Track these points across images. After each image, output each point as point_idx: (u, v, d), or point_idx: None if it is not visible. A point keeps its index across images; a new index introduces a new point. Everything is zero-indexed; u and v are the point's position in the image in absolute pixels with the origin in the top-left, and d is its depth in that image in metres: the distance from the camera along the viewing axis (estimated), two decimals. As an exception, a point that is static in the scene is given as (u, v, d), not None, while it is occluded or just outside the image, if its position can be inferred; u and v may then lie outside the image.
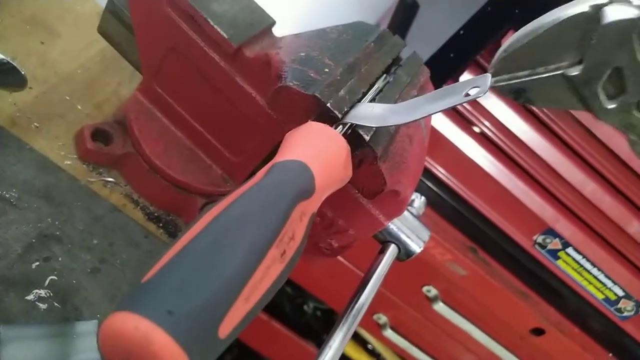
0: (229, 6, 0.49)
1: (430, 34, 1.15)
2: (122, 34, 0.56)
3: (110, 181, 0.55)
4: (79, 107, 0.57)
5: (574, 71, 0.30)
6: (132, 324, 0.22)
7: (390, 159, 0.44)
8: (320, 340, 1.58)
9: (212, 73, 0.50)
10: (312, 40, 0.49)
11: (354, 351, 1.53)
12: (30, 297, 0.45)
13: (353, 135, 0.41)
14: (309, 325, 1.59)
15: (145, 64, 0.54)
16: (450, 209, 1.08)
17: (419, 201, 0.58)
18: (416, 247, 0.54)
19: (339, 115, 0.41)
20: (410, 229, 0.54)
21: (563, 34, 0.29)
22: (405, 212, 0.55)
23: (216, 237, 0.25)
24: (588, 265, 1.11)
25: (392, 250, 0.55)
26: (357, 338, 1.52)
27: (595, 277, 1.12)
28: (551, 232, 1.07)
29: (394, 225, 0.54)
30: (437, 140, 1.01)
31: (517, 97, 0.34)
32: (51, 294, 0.46)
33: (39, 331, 0.43)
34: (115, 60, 0.62)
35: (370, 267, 0.55)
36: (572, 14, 0.29)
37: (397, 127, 0.46)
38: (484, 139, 1.00)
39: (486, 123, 0.99)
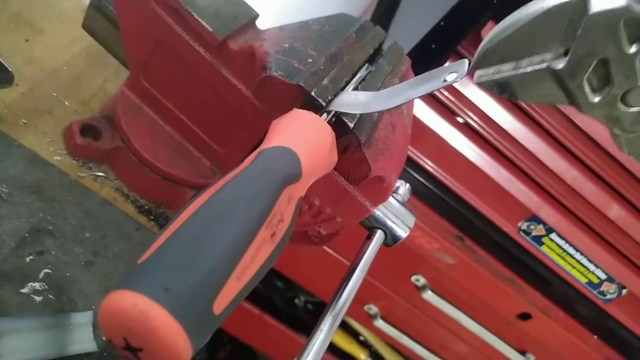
0: (213, 0, 0.50)
1: (412, 25, 1.17)
2: (107, 29, 0.57)
3: (100, 175, 0.56)
4: (66, 103, 0.58)
5: (560, 63, 0.29)
6: (131, 301, 0.23)
7: (374, 145, 0.46)
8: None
9: (198, 66, 0.51)
10: (295, 32, 0.50)
11: (346, 343, 1.55)
12: (25, 290, 0.45)
13: (337, 123, 0.42)
14: (301, 318, 1.61)
15: (131, 58, 0.55)
16: (436, 198, 1.10)
17: (403, 188, 0.60)
18: (402, 232, 0.56)
19: (323, 104, 0.42)
20: (396, 215, 0.56)
21: (548, 25, 0.28)
22: (391, 199, 0.57)
23: (208, 219, 0.26)
24: (571, 250, 1.13)
25: (379, 235, 0.56)
26: (348, 330, 1.53)
27: (579, 262, 1.15)
28: (535, 219, 1.10)
29: (380, 212, 0.55)
30: (422, 132, 1.02)
31: (501, 92, 0.32)
32: (46, 287, 0.47)
33: (35, 323, 0.44)
34: (101, 57, 0.63)
35: (358, 253, 0.57)
36: (557, 3, 0.28)
37: (380, 115, 0.48)
38: (467, 129, 1.02)
39: (469, 113, 1.00)
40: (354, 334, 1.55)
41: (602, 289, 1.18)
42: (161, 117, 0.57)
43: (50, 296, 0.47)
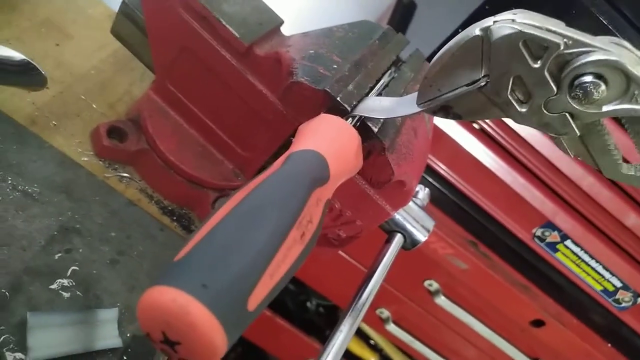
0: (240, 7, 0.52)
1: (428, 32, 1.18)
2: (135, 35, 0.58)
3: (125, 176, 0.57)
4: (94, 106, 0.59)
5: (484, 84, 0.34)
6: (170, 297, 0.24)
7: (397, 150, 0.47)
8: (323, 336, 1.60)
9: (223, 71, 0.52)
10: (320, 38, 0.51)
11: (356, 346, 1.55)
12: (54, 286, 0.47)
13: (362, 127, 0.43)
14: (312, 321, 1.61)
15: (158, 63, 0.56)
16: (451, 203, 1.10)
17: (423, 192, 0.61)
18: (421, 236, 0.56)
19: (349, 108, 0.43)
20: (416, 219, 0.56)
21: (466, 56, 0.34)
22: (411, 203, 0.57)
23: (242, 219, 0.28)
24: (586, 258, 1.13)
25: (398, 239, 0.57)
26: (359, 334, 1.54)
27: (594, 269, 1.15)
28: (550, 225, 1.10)
29: (399, 216, 0.56)
30: (438, 137, 1.03)
31: (446, 115, 0.37)
32: (73, 283, 0.48)
33: (63, 318, 0.45)
34: (127, 61, 0.65)
35: (378, 255, 0.57)
36: (467, 39, 0.33)
37: (403, 120, 0.48)
38: (483, 135, 1.02)
39: (490, 122, 1.01)
40: (364, 338, 1.55)
41: (617, 297, 1.17)
42: (186, 120, 0.58)
43: (78, 293, 0.48)
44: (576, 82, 0.31)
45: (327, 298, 1.53)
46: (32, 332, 0.43)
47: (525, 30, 0.31)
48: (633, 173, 0.37)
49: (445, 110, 0.36)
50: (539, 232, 1.12)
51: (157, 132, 0.56)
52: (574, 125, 0.34)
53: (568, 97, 0.32)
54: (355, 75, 0.47)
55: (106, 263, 0.51)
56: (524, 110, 0.34)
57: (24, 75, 0.49)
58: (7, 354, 0.42)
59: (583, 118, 0.33)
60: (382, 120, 0.44)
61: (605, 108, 0.32)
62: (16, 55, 0.48)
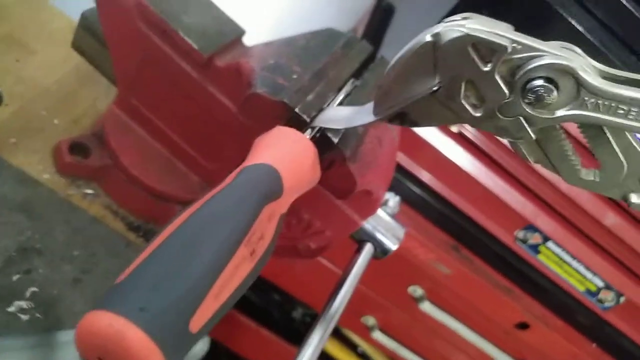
0: (199, 18, 0.51)
1: (407, 37, 1.17)
2: (96, 48, 0.57)
3: (89, 193, 0.56)
4: (56, 121, 0.58)
5: (436, 89, 0.34)
6: (106, 322, 0.23)
7: (360, 159, 0.46)
8: (311, 345, 1.59)
9: (184, 83, 0.51)
10: (281, 48, 0.51)
11: (344, 355, 1.54)
12: (12, 308, 0.46)
13: (322, 138, 0.42)
14: (299, 331, 1.60)
15: (119, 76, 0.55)
16: (431, 208, 1.10)
17: (393, 200, 0.60)
18: (391, 245, 0.56)
19: (307, 119, 0.42)
20: (385, 228, 0.56)
21: (419, 63, 0.33)
22: (380, 211, 0.57)
23: (187, 237, 0.27)
24: (568, 258, 1.13)
25: (368, 248, 0.56)
26: (347, 342, 1.53)
27: (576, 270, 1.15)
28: (531, 228, 1.10)
29: (369, 225, 0.55)
30: (416, 141, 1.03)
31: (402, 122, 0.37)
32: (33, 305, 0.47)
33: (21, 342, 0.44)
34: (91, 75, 0.64)
35: (347, 265, 0.57)
36: (419, 45, 0.33)
37: (366, 129, 0.48)
38: (461, 138, 1.02)
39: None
40: (352, 346, 1.54)
41: (600, 296, 1.17)
42: (149, 134, 0.57)
43: (37, 315, 0.47)
44: (528, 86, 0.31)
45: (312, 307, 1.52)
46: (-12, 357, 0.42)
47: (473, 34, 0.31)
48: (592, 178, 0.37)
49: (401, 118, 0.36)
50: (520, 235, 1.12)
51: (120, 146, 0.55)
52: (529, 130, 0.33)
53: (521, 101, 0.32)
54: (316, 85, 0.46)
55: (69, 283, 0.50)
56: (478, 114, 0.34)
57: (-23, 92, 0.48)
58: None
59: (537, 123, 0.33)
60: (342, 130, 0.43)
61: (558, 113, 0.32)
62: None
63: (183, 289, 0.24)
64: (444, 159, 1.03)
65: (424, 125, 0.36)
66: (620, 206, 1.04)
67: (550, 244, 1.12)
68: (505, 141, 0.96)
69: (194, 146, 0.56)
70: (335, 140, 0.42)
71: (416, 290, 1.24)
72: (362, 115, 0.40)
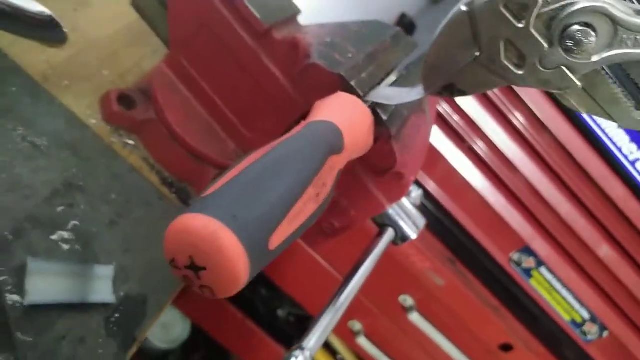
0: (262, -9, 0.53)
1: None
2: (154, 8, 0.60)
3: (129, 144, 0.58)
4: (105, 73, 0.60)
5: (478, 55, 0.36)
6: (202, 223, 0.25)
7: (401, 141, 0.49)
8: (290, 344, 1.60)
9: (239, 51, 0.54)
10: (336, 29, 0.53)
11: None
12: (55, 237, 0.47)
13: (372, 114, 0.45)
14: (281, 329, 1.61)
15: (174, 37, 0.58)
16: (433, 219, 1.12)
17: (416, 192, 0.63)
18: (412, 233, 0.58)
19: (361, 94, 0.45)
20: (408, 215, 0.58)
21: (458, 33, 0.36)
22: (404, 200, 0.59)
23: (268, 166, 0.29)
24: (558, 286, 1.16)
25: (389, 233, 0.58)
26: (328, 348, 1.54)
27: (564, 299, 1.18)
28: (527, 251, 1.13)
29: (393, 210, 0.58)
30: (429, 153, 1.05)
31: (451, 93, 0.39)
32: (73, 237, 0.48)
33: (61, 268, 0.46)
34: (140, 36, 0.66)
35: (367, 248, 0.59)
36: (455, 16, 0.35)
37: (409, 115, 0.51)
38: (471, 153, 1.05)
39: (475, 138, 1.04)
40: (332, 353, 1.55)
41: (584, 328, 1.20)
42: (195, 96, 0.59)
43: (77, 247, 0.48)
44: (565, 34, 0.33)
45: (299, 307, 1.53)
46: (31, 276, 0.44)
47: None
48: None
49: (450, 89, 0.38)
50: (515, 257, 1.15)
51: (166, 103, 0.58)
52: (573, 78, 0.35)
53: (561, 51, 0.33)
54: (368, 66, 0.49)
55: (105, 223, 0.52)
56: (521, 72, 0.35)
57: (45, 30, 0.50)
58: (5, 295, 0.42)
59: (580, 69, 0.34)
60: (391, 109, 0.46)
61: (599, 56, 0.33)
62: (41, 9, 0.49)
63: (267, 207, 0.27)
64: (453, 172, 1.06)
65: (472, 93, 0.38)
66: (616, 239, 1.08)
67: (543, 270, 1.15)
68: (512, 158, 0.99)
69: (236, 113, 0.59)
70: (385, 117, 0.45)
71: (407, 300, 1.26)
72: (412, 93, 0.43)
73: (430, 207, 1.12)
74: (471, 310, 1.20)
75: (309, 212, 0.31)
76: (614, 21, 0.31)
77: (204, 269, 0.25)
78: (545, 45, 0.34)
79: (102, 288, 0.47)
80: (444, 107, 1.03)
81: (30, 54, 0.54)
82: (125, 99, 0.58)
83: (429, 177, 1.09)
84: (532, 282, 1.17)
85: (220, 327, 1.50)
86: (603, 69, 0.35)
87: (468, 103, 1.03)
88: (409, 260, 1.14)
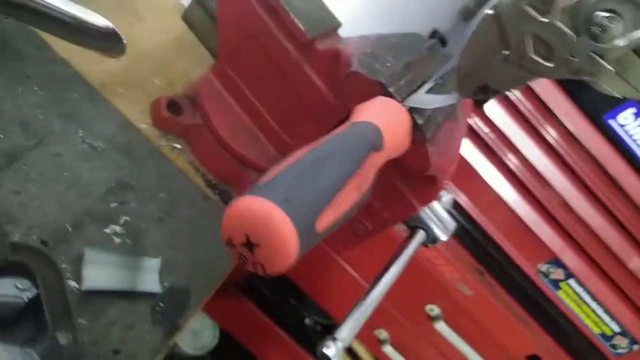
0: (305, 4, 0.57)
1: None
2: (204, 21, 0.64)
3: (177, 147, 0.62)
4: (155, 81, 0.65)
5: (508, 54, 0.38)
6: (259, 204, 0.28)
7: (435, 145, 0.51)
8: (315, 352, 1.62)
9: (283, 61, 0.57)
10: (376, 41, 0.57)
11: (350, 367, 1.56)
12: (108, 230, 0.51)
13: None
14: (308, 337, 1.63)
15: (222, 48, 0.62)
16: (462, 230, 1.14)
17: (446, 197, 0.65)
18: (442, 235, 0.60)
19: (400, 99, 0.48)
20: (439, 218, 0.61)
21: (486, 36, 0.38)
22: (435, 203, 0.62)
23: (317, 159, 0.32)
24: (588, 299, 1.16)
25: (420, 235, 0.61)
26: (354, 356, 1.55)
27: (594, 311, 1.17)
28: (556, 262, 1.13)
29: (424, 213, 0.60)
30: (460, 165, 1.07)
31: (485, 94, 0.41)
32: (124, 232, 0.52)
33: (114, 258, 0.50)
34: (188, 47, 0.70)
35: (399, 248, 0.61)
36: (483, 20, 0.37)
37: (443, 121, 0.53)
38: (501, 166, 1.07)
39: (506, 151, 1.06)
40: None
41: (614, 342, 1.20)
42: (239, 103, 0.63)
43: (127, 240, 0.52)
44: (591, 22, 0.34)
45: (325, 316, 1.55)
46: (87, 265, 0.47)
47: None
48: None
49: (484, 90, 0.41)
50: (544, 268, 1.15)
51: (212, 109, 0.61)
52: (604, 63, 0.36)
53: (588, 39, 0.35)
54: (406, 74, 0.52)
55: (153, 220, 0.55)
56: (551, 64, 0.37)
57: (108, 41, 0.54)
58: (65, 281, 0.46)
59: (609, 54, 0.35)
60: (427, 114, 0.48)
61: (627, 39, 0.34)
62: (106, 23, 0.53)
63: (316, 193, 0.30)
64: (482, 183, 1.08)
65: (506, 91, 0.40)
66: (647, 252, 1.08)
67: (571, 282, 1.15)
68: (542, 170, 1.00)
69: (277, 120, 0.62)
70: (420, 121, 0.48)
71: (433, 310, 1.27)
72: (447, 98, 0.45)
73: (459, 218, 1.13)
74: (498, 321, 1.20)
75: (352, 201, 0.34)
76: (637, 3, 0.33)
77: (258, 246, 0.28)
78: (572, 35, 0.35)
79: (150, 279, 0.51)
80: (475, 121, 1.05)
81: (90, 64, 0.58)
82: (173, 106, 0.62)
83: (459, 189, 1.11)
84: (561, 293, 1.17)
85: (249, 334, 1.53)
86: (634, 50, 0.35)
87: (500, 116, 1.05)
88: (437, 270, 1.16)
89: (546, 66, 0.38)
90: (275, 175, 0.31)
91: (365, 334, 1.37)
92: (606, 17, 0.34)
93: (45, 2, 0.49)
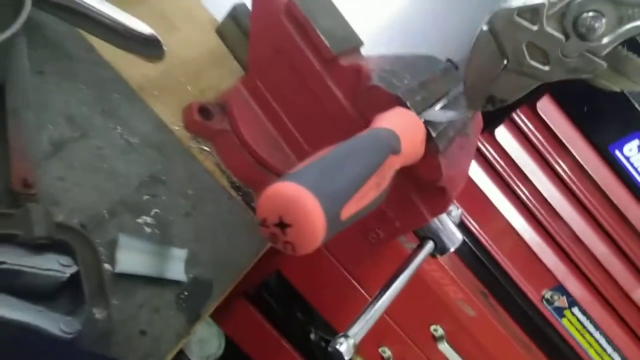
0: (331, 22, 0.62)
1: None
2: (236, 35, 0.69)
3: (205, 149, 0.66)
4: (189, 88, 0.70)
5: (507, 63, 0.41)
6: (292, 188, 0.32)
7: (446, 158, 0.55)
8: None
9: (307, 74, 0.62)
10: (394, 60, 0.61)
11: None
12: (140, 220, 0.55)
13: (423, 130, 0.52)
14: (312, 352, 1.65)
15: (252, 61, 0.66)
16: (467, 251, 1.17)
17: (456, 211, 0.68)
18: (451, 245, 0.64)
19: (416, 113, 0.52)
20: (448, 229, 0.64)
21: (485, 50, 0.41)
22: (444, 216, 0.65)
23: (343, 154, 0.36)
24: (591, 328, 1.17)
25: (429, 245, 0.64)
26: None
27: (597, 341, 1.19)
28: (560, 289, 1.15)
29: (434, 224, 0.64)
30: (468, 187, 1.11)
31: (493, 104, 0.45)
32: (154, 222, 0.56)
33: (145, 245, 0.54)
34: (220, 59, 0.75)
35: (409, 257, 0.65)
36: (480, 36, 0.41)
37: (454, 135, 0.57)
38: (508, 190, 1.10)
39: (514, 178, 1.09)
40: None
41: (615, 373, 1.21)
42: (265, 112, 0.68)
43: (157, 231, 0.56)
44: (577, 24, 0.38)
45: (330, 332, 1.57)
46: (121, 250, 0.51)
47: (513, 5, 0.39)
48: None
49: (492, 100, 0.45)
50: (548, 295, 1.17)
51: (240, 117, 0.66)
52: (597, 60, 0.39)
53: (577, 39, 0.38)
54: (421, 91, 0.56)
55: (181, 214, 0.59)
56: (548, 68, 0.41)
57: (149, 47, 0.59)
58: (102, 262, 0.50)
59: (601, 50, 0.38)
60: (440, 128, 0.52)
61: (613, 35, 0.37)
62: (150, 30, 0.58)
63: (342, 183, 0.34)
64: (490, 208, 1.11)
65: (512, 99, 0.44)
66: (650, 284, 1.09)
67: (575, 310, 1.16)
68: (549, 197, 1.03)
69: (300, 130, 0.66)
70: (434, 134, 0.52)
71: (437, 330, 1.29)
72: (458, 112, 0.50)
73: (467, 240, 1.16)
74: (501, 344, 1.22)
75: (371, 197, 0.38)
76: (616, 2, 0.36)
77: (290, 225, 0.32)
78: (563, 38, 0.39)
79: (176, 267, 0.55)
80: (487, 147, 1.09)
81: (130, 68, 0.63)
82: (204, 111, 0.67)
83: (467, 212, 1.14)
84: (564, 321, 1.19)
85: (255, 344, 1.55)
86: (623, 45, 0.39)
87: (511, 146, 1.08)
88: (442, 290, 1.18)
89: (544, 70, 0.41)
90: (306, 165, 0.35)
91: (370, 351, 1.38)
92: (590, 17, 0.37)
93: (98, 9, 0.54)
